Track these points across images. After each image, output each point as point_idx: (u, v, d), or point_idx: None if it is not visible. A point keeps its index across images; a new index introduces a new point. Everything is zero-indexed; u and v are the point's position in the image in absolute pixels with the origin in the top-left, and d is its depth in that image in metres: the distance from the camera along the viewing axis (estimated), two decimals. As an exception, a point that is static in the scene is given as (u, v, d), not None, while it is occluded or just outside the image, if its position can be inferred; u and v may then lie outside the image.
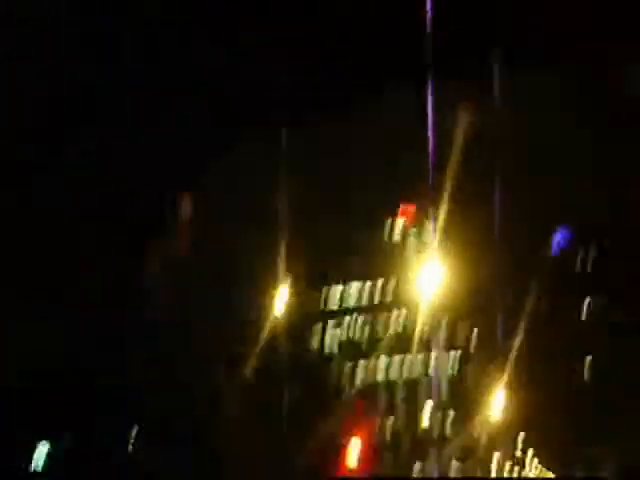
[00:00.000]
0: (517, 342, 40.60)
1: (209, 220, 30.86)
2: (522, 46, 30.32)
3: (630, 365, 46.24)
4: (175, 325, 29.39)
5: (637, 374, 43.18)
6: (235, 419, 28.82)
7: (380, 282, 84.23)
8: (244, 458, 28.18)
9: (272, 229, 30.99)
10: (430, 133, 27.60)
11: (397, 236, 78.70)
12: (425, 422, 75.91)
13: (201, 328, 30.06)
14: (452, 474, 70.70)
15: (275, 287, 30.67)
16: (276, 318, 30.02)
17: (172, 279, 30.43)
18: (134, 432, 28.29)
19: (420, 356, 79.66)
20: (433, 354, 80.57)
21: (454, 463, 74.72)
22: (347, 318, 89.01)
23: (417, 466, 77.77)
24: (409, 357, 76.95)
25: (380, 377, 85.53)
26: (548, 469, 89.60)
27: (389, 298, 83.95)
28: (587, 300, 55.67)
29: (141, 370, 27.94)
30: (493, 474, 75.62)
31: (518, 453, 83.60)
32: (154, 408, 27.84)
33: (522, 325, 37.87)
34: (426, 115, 28.79)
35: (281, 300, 30.27)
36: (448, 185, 29.45)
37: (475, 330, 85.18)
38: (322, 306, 79.44)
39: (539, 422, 61.83)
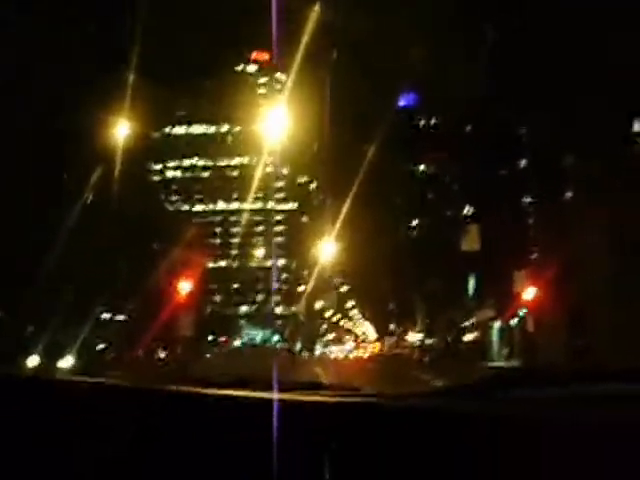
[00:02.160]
0: (350, 196, 41.72)
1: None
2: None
3: (447, 231, 49.66)
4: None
5: (453, 239, 46.59)
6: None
7: (226, 127, 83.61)
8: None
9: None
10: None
11: (247, 83, 77.51)
12: (257, 264, 78.01)
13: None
14: (277, 317, 73.98)
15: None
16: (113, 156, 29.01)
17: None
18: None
19: (258, 205, 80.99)
20: (271, 204, 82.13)
21: (280, 307, 78.10)
22: (189, 161, 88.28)
23: (244, 307, 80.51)
24: (247, 205, 78.13)
25: (218, 221, 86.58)
26: (366, 319, 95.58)
27: (234, 144, 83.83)
28: (422, 166, 58.46)
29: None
30: (317, 319, 79.82)
31: (340, 303, 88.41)
32: None
33: (358, 177, 38.98)
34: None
35: (121, 140, 29.16)
36: (303, 40, 28.63)
37: (313, 184, 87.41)
38: (168, 148, 78.32)
39: (363, 275, 65.54)
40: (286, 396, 2.22)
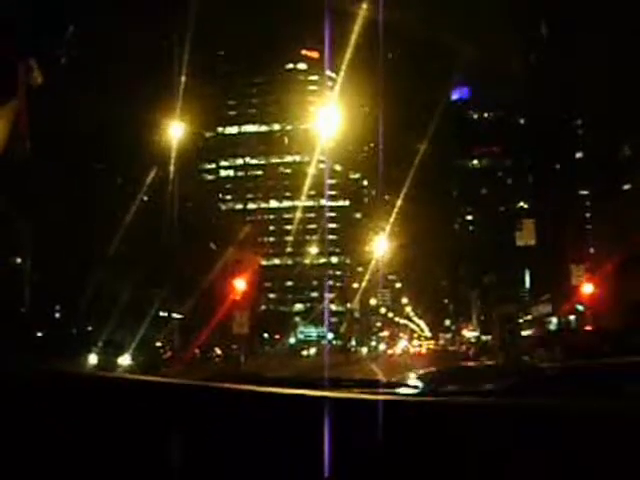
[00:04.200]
0: (405, 191, 41.64)
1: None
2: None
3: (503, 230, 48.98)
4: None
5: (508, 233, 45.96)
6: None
7: (276, 126, 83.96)
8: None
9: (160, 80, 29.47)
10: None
11: (297, 81, 77.69)
12: (311, 261, 78.17)
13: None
14: (332, 313, 74.08)
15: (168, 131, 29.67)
16: (168, 157, 29.29)
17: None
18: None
19: (311, 203, 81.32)
20: (324, 201, 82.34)
21: (334, 304, 78.12)
22: (241, 160, 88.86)
23: (299, 305, 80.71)
24: (300, 203, 78.48)
25: (271, 219, 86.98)
26: (420, 317, 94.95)
27: (285, 143, 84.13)
28: (474, 160, 57.82)
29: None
30: (371, 317, 79.76)
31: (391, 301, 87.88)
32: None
33: (411, 173, 38.85)
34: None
35: (175, 141, 29.45)
36: (353, 35, 28.58)
37: (365, 180, 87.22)
38: (220, 147, 79.01)
39: (417, 271, 65.19)
40: (342, 394, 2.23)
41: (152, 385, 2.47)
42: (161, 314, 35.04)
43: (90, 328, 30.12)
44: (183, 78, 26.22)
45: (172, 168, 27.53)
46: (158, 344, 35.55)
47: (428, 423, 1.97)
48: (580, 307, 34.44)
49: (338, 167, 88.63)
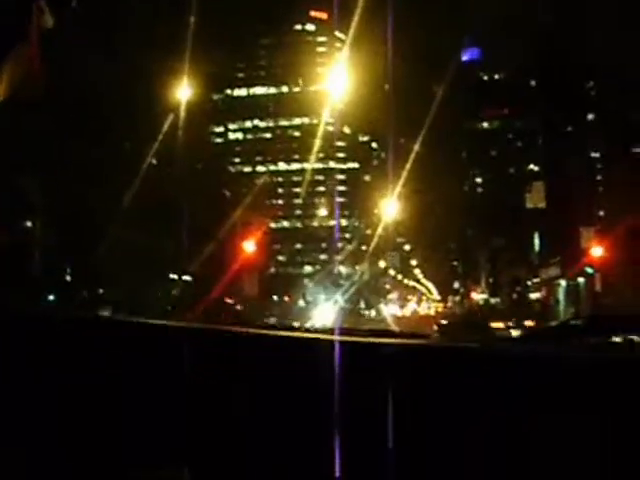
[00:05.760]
0: (413, 154, 41.44)
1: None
2: None
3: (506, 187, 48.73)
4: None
5: (518, 196, 45.78)
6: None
7: (284, 88, 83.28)
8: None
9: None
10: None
11: (306, 42, 76.81)
12: (320, 224, 78.15)
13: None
14: (343, 275, 74.22)
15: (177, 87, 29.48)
16: (175, 116, 29.15)
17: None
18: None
19: (320, 165, 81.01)
20: (332, 163, 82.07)
21: (344, 266, 78.20)
22: (251, 122, 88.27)
23: (308, 267, 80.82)
24: (309, 165, 78.16)
25: (280, 181, 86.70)
26: (429, 279, 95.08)
27: (293, 105, 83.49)
28: (485, 123, 57.43)
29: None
30: (381, 278, 79.91)
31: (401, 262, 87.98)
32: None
33: (420, 135, 38.66)
34: None
35: (183, 97, 29.32)
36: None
37: (374, 143, 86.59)
38: (229, 110, 78.42)
39: (426, 233, 65.14)
40: (361, 339, 2.27)
41: (167, 328, 2.51)
42: (171, 276, 35.22)
43: (101, 291, 30.33)
44: (190, 39, 25.96)
45: (180, 131, 27.47)
46: (169, 308, 35.77)
47: (433, 366, 2.01)
48: (589, 270, 34.42)
49: (347, 129, 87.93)
